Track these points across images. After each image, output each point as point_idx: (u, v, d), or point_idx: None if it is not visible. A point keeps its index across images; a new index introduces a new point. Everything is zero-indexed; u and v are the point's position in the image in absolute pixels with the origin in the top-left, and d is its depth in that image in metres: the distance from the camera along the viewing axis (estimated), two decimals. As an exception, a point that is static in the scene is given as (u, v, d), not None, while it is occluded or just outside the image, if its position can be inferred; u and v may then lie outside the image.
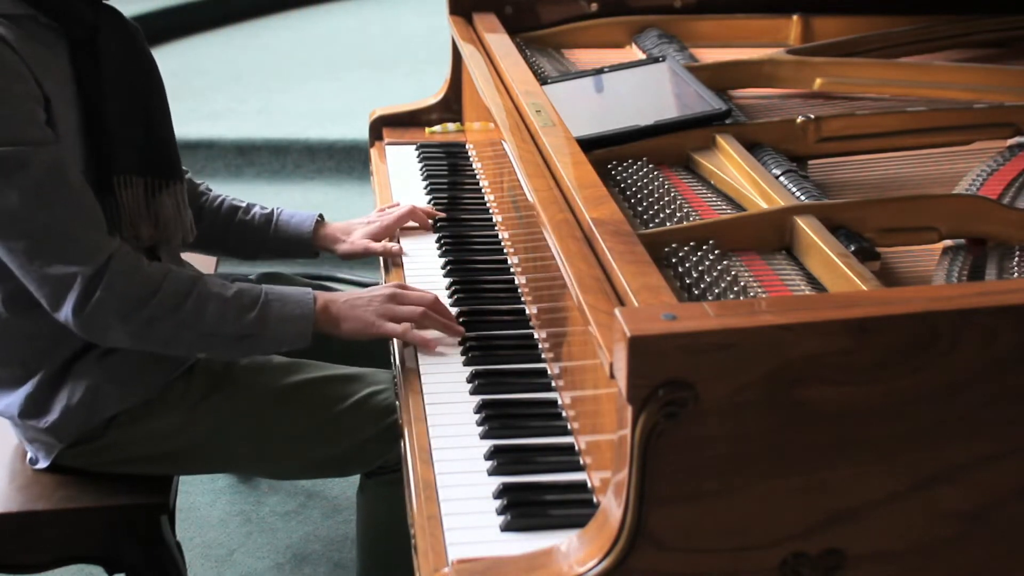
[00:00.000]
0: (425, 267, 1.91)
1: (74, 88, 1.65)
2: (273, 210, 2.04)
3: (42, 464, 1.79)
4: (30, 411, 1.74)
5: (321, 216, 2.04)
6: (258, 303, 1.66)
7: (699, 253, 1.43)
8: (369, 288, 1.76)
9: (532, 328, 1.69)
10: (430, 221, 2.05)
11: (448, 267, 1.89)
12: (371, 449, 1.80)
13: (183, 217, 1.79)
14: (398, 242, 2.00)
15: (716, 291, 1.35)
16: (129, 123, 1.69)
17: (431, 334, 1.68)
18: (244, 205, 2.02)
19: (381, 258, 1.99)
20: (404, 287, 1.74)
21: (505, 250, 1.93)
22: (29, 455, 1.82)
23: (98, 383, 1.72)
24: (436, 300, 1.71)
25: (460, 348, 1.65)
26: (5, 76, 1.55)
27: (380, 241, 2.00)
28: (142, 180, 1.71)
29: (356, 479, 2.03)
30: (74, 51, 1.66)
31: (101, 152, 1.67)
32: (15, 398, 1.74)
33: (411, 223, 2.04)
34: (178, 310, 1.62)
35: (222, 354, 1.75)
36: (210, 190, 2.04)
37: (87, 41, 1.66)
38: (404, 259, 1.94)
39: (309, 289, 1.73)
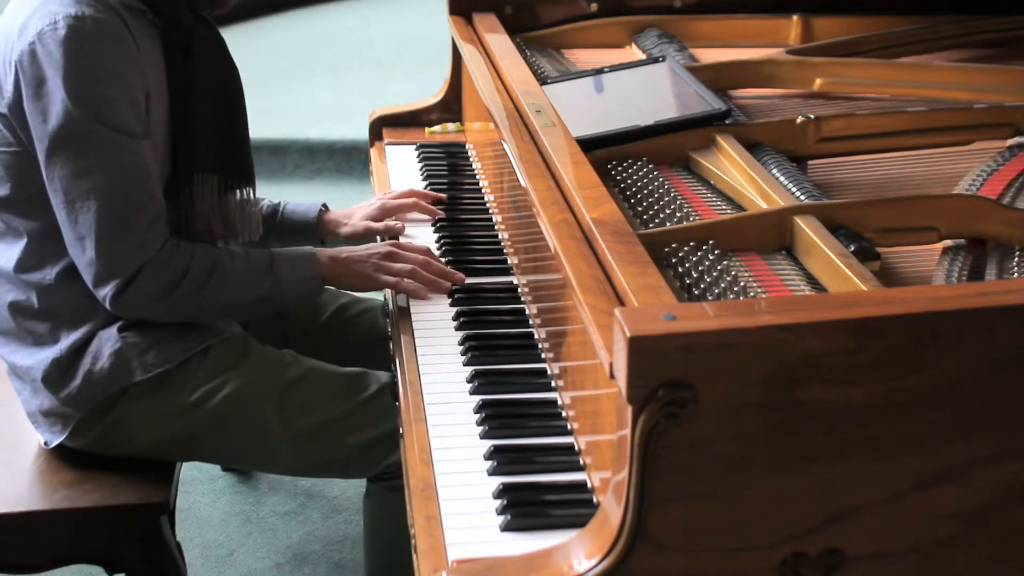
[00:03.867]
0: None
1: (165, 85, 1.74)
2: (280, 201, 2.10)
3: (53, 442, 1.81)
4: (53, 378, 1.76)
5: (325, 205, 2.09)
6: (272, 270, 1.78)
7: (699, 253, 1.43)
8: (368, 245, 1.89)
9: (532, 328, 1.69)
10: (432, 206, 2.07)
11: (448, 267, 1.88)
12: (374, 452, 1.80)
13: (251, 217, 1.88)
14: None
15: (716, 291, 1.35)
16: (213, 124, 1.78)
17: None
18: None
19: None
20: (400, 245, 1.87)
21: (505, 250, 1.93)
22: (43, 439, 1.82)
23: (120, 351, 1.75)
24: (428, 258, 1.84)
25: (460, 348, 1.65)
26: (124, 63, 1.65)
27: (381, 222, 2.04)
28: (216, 178, 1.81)
29: (358, 480, 2.03)
30: (168, 55, 1.74)
31: (183, 149, 1.76)
32: (39, 362, 1.77)
33: (414, 214, 2.07)
34: (203, 288, 1.73)
35: (244, 316, 1.89)
36: None
37: (180, 47, 1.75)
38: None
39: (312, 249, 1.85)
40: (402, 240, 1.96)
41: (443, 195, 2.11)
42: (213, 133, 1.79)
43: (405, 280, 1.80)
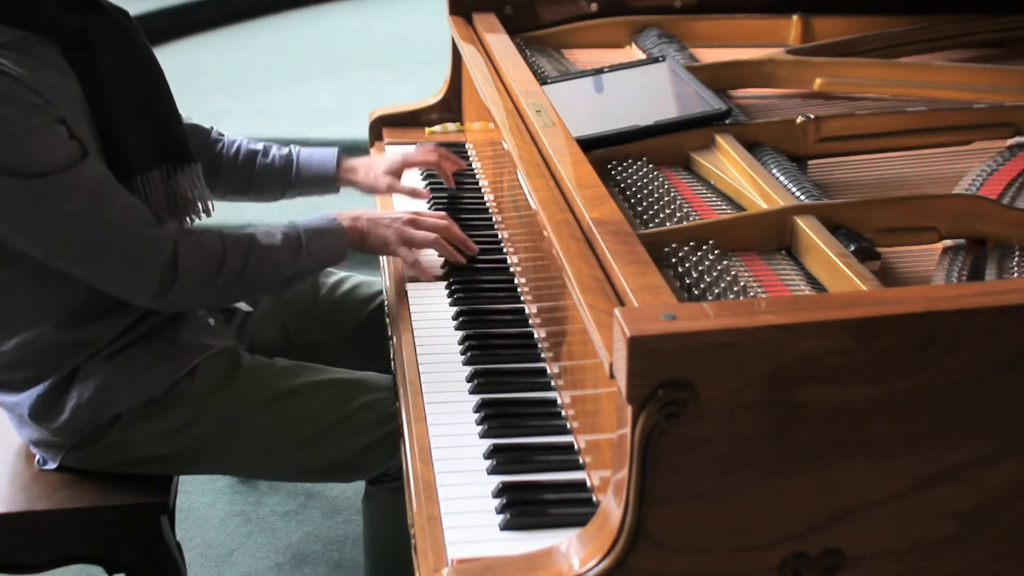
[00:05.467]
0: (424, 265, 1.91)
1: (83, 99, 1.66)
2: (291, 150, 2.08)
3: (50, 465, 1.80)
4: (40, 412, 1.74)
5: (340, 151, 2.07)
6: (302, 244, 1.77)
7: (699, 253, 1.43)
8: (391, 212, 1.90)
9: (532, 327, 1.69)
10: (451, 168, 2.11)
11: (448, 267, 1.89)
12: (372, 456, 1.80)
13: (200, 196, 1.84)
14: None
15: (716, 291, 1.35)
16: (136, 117, 1.72)
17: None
18: (261, 148, 2.06)
19: (383, 258, 1.99)
20: (422, 213, 1.88)
21: (505, 250, 1.93)
22: (37, 457, 1.82)
23: (106, 382, 1.73)
24: (449, 227, 1.86)
25: (460, 347, 1.65)
26: (24, 111, 1.56)
27: (401, 174, 2.06)
28: (158, 170, 1.76)
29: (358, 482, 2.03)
30: (71, 61, 1.66)
31: (118, 154, 1.70)
32: (24, 398, 1.75)
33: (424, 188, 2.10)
34: (244, 272, 1.73)
35: (276, 291, 1.88)
36: (223, 135, 2.06)
37: (81, 48, 1.67)
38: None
39: (333, 215, 1.83)
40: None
41: (464, 163, 2.12)
42: (140, 123, 1.73)
43: (419, 262, 1.83)
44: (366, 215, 1.84)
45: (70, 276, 1.67)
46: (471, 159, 2.31)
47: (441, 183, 2.21)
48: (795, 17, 2.44)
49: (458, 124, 2.47)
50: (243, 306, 2.01)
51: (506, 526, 1.27)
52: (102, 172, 1.64)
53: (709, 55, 2.30)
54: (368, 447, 1.79)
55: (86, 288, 1.69)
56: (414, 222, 1.84)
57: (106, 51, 1.69)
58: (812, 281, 1.39)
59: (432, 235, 1.83)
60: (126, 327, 1.76)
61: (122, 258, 1.64)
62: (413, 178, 2.26)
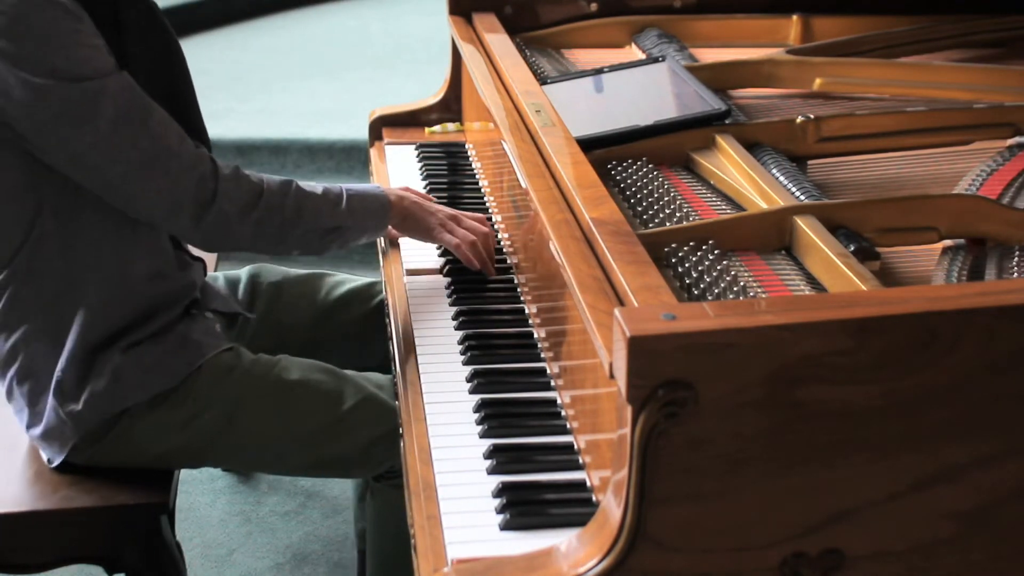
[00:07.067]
0: (424, 266, 1.91)
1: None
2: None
3: (56, 461, 1.80)
4: (59, 395, 1.75)
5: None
6: (343, 198, 1.80)
7: (699, 253, 1.43)
8: (435, 204, 1.93)
9: (531, 327, 1.69)
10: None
11: (447, 267, 1.89)
12: (376, 452, 1.80)
13: None
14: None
15: (716, 291, 1.35)
16: (155, 95, 1.72)
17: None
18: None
19: (382, 258, 1.99)
20: (463, 214, 1.90)
21: (505, 250, 1.93)
22: (45, 456, 1.82)
23: (120, 374, 1.74)
24: (488, 236, 1.86)
25: (460, 347, 1.65)
26: (68, 15, 1.59)
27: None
28: None
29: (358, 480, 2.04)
30: (100, 30, 1.68)
31: None
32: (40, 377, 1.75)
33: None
34: (282, 209, 1.74)
35: (314, 247, 1.82)
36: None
37: (110, 19, 1.69)
38: (403, 259, 1.94)
39: (379, 185, 1.88)
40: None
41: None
42: (162, 106, 1.71)
43: (463, 248, 1.83)
44: (412, 197, 1.88)
45: (101, 251, 1.69)
46: (471, 159, 2.31)
47: (440, 184, 2.21)
48: (795, 17, 2.44)
49: (458, 124, 2.47)
50: (244, 312, 2.01)
51: (506, 526, 1.27)
52: (135, 86, 1.65)
53: (709, 55, 2.30)
54: (373, 442, 1.79)
55: (116, 267, 1.71)
56: (457, 219, 1.87)
57: (135, 32, 1.72)
58: (812, 281, 1.39)
59: (470, 236, 1.84)
60: (143, 320, 1.76)
61: (162, 172, 1.65)
62: (414, 179, 2.26)
